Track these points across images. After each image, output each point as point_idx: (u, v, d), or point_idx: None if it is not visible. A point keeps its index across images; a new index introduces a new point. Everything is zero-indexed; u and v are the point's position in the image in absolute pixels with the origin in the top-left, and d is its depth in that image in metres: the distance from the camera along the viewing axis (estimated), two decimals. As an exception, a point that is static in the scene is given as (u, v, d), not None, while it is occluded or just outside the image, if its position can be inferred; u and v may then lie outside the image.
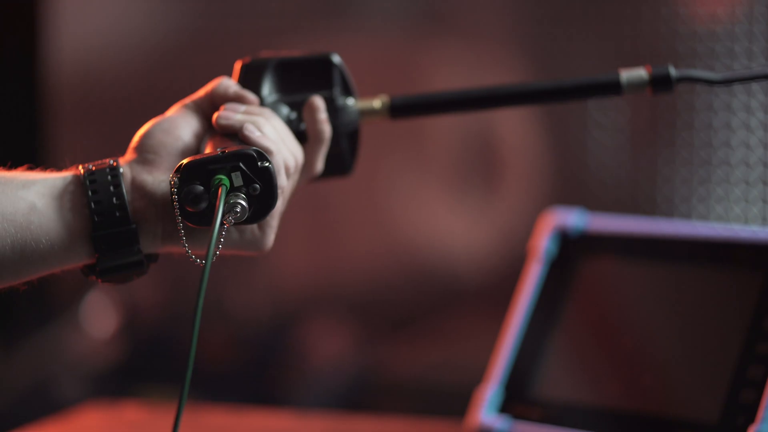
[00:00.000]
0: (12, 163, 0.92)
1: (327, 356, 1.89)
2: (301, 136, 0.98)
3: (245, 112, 0.94)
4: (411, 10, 1.92)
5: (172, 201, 0.88)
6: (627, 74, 0.99)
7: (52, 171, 0.92)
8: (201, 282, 0.85)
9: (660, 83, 0.98)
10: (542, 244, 1.34)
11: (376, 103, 1.01)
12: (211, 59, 1.94)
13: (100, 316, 2.10)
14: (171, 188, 0.88)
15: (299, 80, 0.99)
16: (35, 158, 1.27)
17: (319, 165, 0.99)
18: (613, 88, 0.99)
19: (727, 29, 1.71)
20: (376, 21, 1.93)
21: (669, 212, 1.74)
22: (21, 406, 1.93)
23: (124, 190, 0.90)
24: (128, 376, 2.01)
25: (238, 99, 0.95)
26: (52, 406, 1.68)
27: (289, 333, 2.06)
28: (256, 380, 1.96)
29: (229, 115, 0.93)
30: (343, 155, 1.01)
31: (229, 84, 0.96)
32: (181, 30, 1.99)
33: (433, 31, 1.90)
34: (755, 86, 1.70)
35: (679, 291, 1.26)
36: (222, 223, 0.87)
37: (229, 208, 0.88)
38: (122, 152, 0.95)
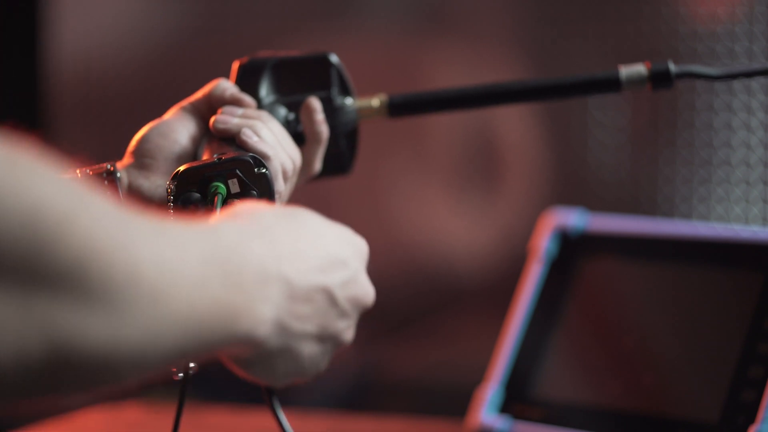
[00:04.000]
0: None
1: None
2: (300, 137, 0.98)
3: (242, 116, 0.93)
4: (411, 10, 1.92)
5: (169, 207, 0.88)
6: (626, 70, 0.99)
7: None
8: None
9: (659, 79, 0.98)
10: (543, 244, 1.34)
11: (375, 102, 1.00)
12: (211, 59, 1.94)
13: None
14: (168, 195, 0.88)
15: (297, 80, 0.99)
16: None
17: (318, 165, 0.99)
18: (613, 84, 0.99)
19: (727, 29, 1.71)
20: (376, 21, 1.93)
21: (669, 212, 1.74)
22: (21, 407, 1.93)
23: (121, 196, 0.90)
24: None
25: (235, 102, 0.95)
26: (52, 406, 1.68)
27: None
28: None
29: (226, 119, 0.93)
30: (341, 155, 1.01)
31: (227, 86, 0.96)
32: (181, 30, 1.99)
33: (434, 31, 1.90)
34: (756, 86, 1.70)
35: (679, 291, 1.26)
36: None
37: None
38: (123, 152, 0.94)
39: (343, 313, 0.79)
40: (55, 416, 1.52)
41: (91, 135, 2.06)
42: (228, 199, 0.87)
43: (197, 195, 0.87)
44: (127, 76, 2.01)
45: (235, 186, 0.87)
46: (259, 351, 0.74)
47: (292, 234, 0.77)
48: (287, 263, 0.74)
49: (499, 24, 1.86)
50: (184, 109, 0.95)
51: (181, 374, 0.86)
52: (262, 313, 0.71)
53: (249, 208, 0.79)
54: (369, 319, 1.98)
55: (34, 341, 0.60)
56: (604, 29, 1.78)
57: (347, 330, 0.81)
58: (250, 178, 0.87)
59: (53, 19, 2.01)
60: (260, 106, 0.97)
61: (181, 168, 0.88)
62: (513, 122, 1.87)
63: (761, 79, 1.69)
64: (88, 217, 0.61)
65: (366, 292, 0.81)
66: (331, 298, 0.78)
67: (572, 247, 1.33)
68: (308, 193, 1.26)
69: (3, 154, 0.60)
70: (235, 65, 0.99)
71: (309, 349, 0.77)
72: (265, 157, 0.90)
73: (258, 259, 0.71)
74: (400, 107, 1.01)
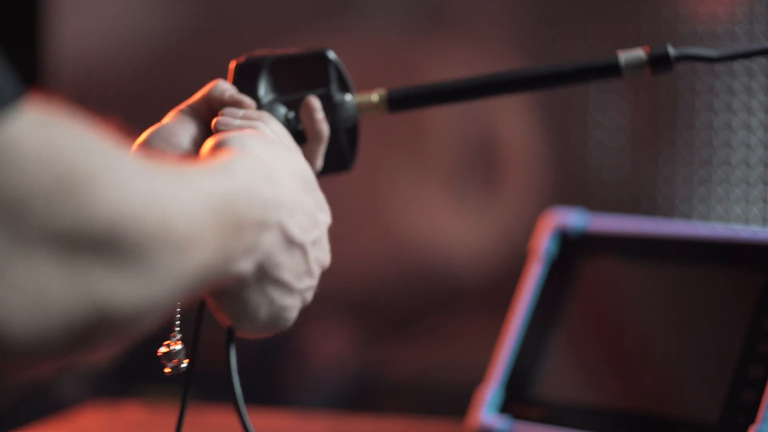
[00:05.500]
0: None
1: (327, 356, 1.89)
2: (300, 136, 0.97)
3: (243, 117, 0.93)
4: (411, 10, 1.92)
5: None
6: (625, 55, 0.99)
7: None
8: None
9: (659, 63, 0.98)
10: (543, 244, 1.34)
11: (374, 96, 1.00)
12: (211, 59, 1.94)
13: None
14: None
15: (295, 78, 0.99)
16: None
17: (319, 163, 0.99)
18: (612, 70, 0.99)
19: (727, 29, 1.71)
20: (376, 21, 1.93)
21: (669, 212, 1.74)
22: (21, 406, 1.93)
23: None
24: (128, 376, 2.01)
25: (235, 103, 0.95)
26: (52, 406, 1.68)
27: (289, 333, 2.06)
28: (256, 380, 1.95)
29: (227, 121, 0.93)
30: (342, 151, 1.01)
31: (225, 88, 0.95)
32: (181, 30, 1.99)
33: (434, 31, 1.90)
34: (756, 86, 1.70)
35: (679, 291, 1.26)
36: None
37: None
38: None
39: (309, 272, 0.85)
40: (55, 415, 1.52)
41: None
42: None
43: None
44: (127, 76, 2.01)
45: None
46: (234, 285, 0.80)
47: (292, 181, 0.82)
48: (285, 213, 0.80)
49: (499, 24, 1.86)
50: (183, 112, 0.95)
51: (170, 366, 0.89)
52: (252, 254, 0.77)
53: (256, 143, 0.83)
54: (369, 319, 1.98)
55: (79, 306, 0.63)
56: (604, 29, 1.78)
57: (309, 290, 0.86)
58: None
59: (53, 19, 2.01)
60: (259, 105, 0.97)
61: None
62: (513, 122, 1.87)
63: (761, 80, 1.69)
64: (119, 177, 0.64)
65: (326, 256, 0.87)
66: (304, 256, 0.83)
67: (572, 247, 1.33)
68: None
69: (33, 117, 0.63)
70: (232, 65, 0.99)
71: (280, 298, 0.83)
72: None
73: (263, 206, 0.77)
74: (399, 101, 1.01)
